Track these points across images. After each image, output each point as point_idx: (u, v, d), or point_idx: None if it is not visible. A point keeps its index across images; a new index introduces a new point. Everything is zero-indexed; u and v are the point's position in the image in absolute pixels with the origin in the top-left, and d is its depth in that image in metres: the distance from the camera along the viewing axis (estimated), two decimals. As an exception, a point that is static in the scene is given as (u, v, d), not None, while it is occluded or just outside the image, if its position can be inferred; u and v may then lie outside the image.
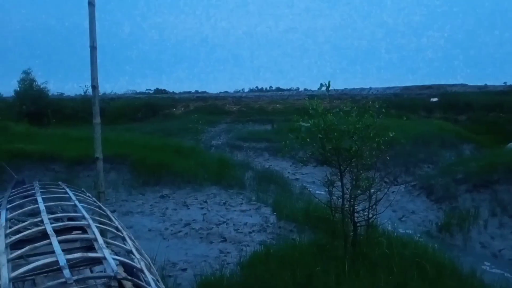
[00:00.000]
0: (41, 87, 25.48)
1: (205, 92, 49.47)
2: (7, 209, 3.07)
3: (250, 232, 7.75)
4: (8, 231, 2.56)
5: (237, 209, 9.36)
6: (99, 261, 2.83)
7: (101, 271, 2.69)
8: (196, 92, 50.13)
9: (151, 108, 29.20)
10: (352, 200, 5.17)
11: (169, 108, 30.01)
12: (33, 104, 23.41)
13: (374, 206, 5.26)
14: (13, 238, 2.42)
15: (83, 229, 3.29)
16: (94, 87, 4.30)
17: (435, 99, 27.82)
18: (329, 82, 4.79)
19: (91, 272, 3.03)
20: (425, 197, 11.13)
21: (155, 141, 15.44)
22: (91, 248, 3.08)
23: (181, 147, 14.38)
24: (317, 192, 9.02)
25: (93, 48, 4.21)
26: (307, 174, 14.37)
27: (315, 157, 5.99)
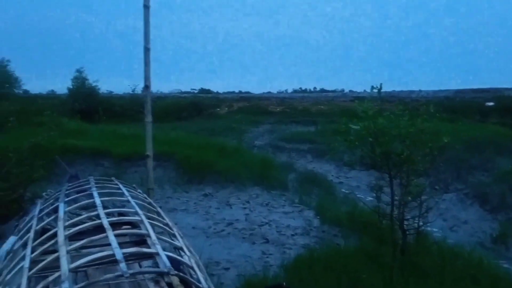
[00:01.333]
0: (92, 85, 26.68)
1: (248, 92, 49.69)
2: (64, 202, 3.19)
3: (293, 235, 7.68)
4: (67, 223, 2.65)
5: (280, 210, 9.31)
6: (148, 256, 2.89)
7: (149, 266, 2.74)
8: (240, 92, 50.42)
9: (196, 107, 29.67)
10: (402, 206, 4.97)
11: (213, 108, 30.36)
12: (84, 102, 24.49)
13: (424, 214, 5.03)
14: (72, 230, 2.49)
15: (132, 224, 3.37)
16: (147, 86, 4.41)
17: (490, 103, 26.37)
18: (381, 84, 4.65)
19: (140, 266, 3.10)
20: (478, 206, 10.57)
21: (199, 140, 15.66)
22: (140, 243, 3.15)
23: (225, 147, 14.51)
24: (362, 196, 8.81)
25: (146, 49, 4.32)
26: (351, 178, 14.05)
27: (363, 161, 5.81)
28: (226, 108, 30.78)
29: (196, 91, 48.08)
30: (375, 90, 4.76)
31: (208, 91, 48.09)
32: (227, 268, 6.14)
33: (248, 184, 11.24)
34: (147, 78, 4.41)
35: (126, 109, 25.85)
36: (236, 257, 6.63)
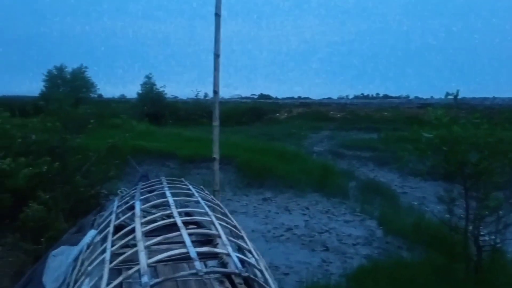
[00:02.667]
0: (159, 90, 28.09)
1: (307, 98, 49.47)
2: (140, 200, 3.35)
3: (354, 244, 7.50)
4: (143, 220, 2.78)
5: (340, 219, 9.14)
6: (213, 255, 2.96)
7: (215, 266, 2.81)
8: (299, 98, 50.35)
9: (256, 112, 30.06)
10: (477, 221, 4.68)
11: (273, 113, 30.59)
12: (152, 106, 25.87)
13: (502, 230, 4.70)
14: (148, 227, 2.60)
15: (197, 224, 3.47)
16: (216, 92, 4.55)
17: None
18: (457, 91, 4.42)
19: (205, 265, 3.18)
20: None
21: (259, 144, 15.84)
22: (205, 243, 3.24)
23: (285, 152, 14.53)
24: (428, 208, 8.41)
25: (216, 56, 4.46)
26: (416, 188, 13.42)
27: (434, 171, 5.56)
28: (286, 114, 30.84)
29: (256, 97, 48.67)
30: (451, 97, 4.54)
31: (267, 97, 48.51)
32: (287, 274, 6.12)
33: (307, 190, 11.17)
34: (216, 84, 4.54)
35: (190, 113, 26.88)
36: (295, 263, 6.60)
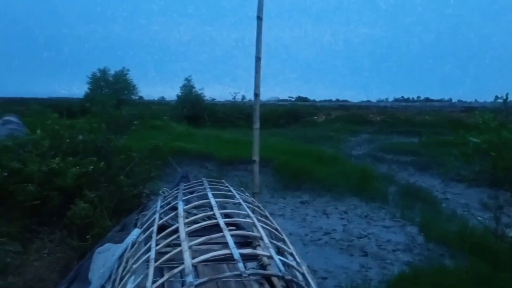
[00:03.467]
0: (198, 92, 28.62)
1: (346, 100, 48.70)
2: (182, 201, 3.42)
3: (394, 250, 7.32)
4: (186, 220, 2.83)
5: (379, 224, 8.95)
6: (253, 257, 2.97)
7: (254, 267, 2.82)
8: (337, 100, 49.68)
9: (293, 115, 29.98)
10: (527, 230, 4.45)
11: (310, 116, 30.38)
12: (191, 108, 26.39)
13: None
14: (192, 227, 2.63)
15: (236, 226, 3.49)
16: (257, 95, 4.58)
17: None
18: (506, 94, 4.22)
19: (245, 267, 3.19)
20: None
21: (297, 147, 15.78)
22: (244, 244, 3.26)
23: (323, 155, 14.39)
24: (472, 215, 8.08)
25: (258, 58, 4.49)
26: (459, 194, 12.92)
27: (480, 176, 5.34)
28: (324, 117, 30.54)
29: (293, 99, 48.51)
30: (500, 100, 4.35)
31: (305, 99, 48.20)
32: (325, 278, 6.07)
33: (346, 194, 11.01)
34: (257, 86, 4.58)
35: (227, 115, 27.18)
36: (333, 267, 6.52)
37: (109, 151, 6.59)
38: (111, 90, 27.74)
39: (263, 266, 2.95)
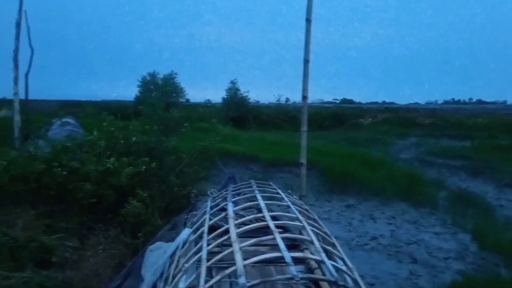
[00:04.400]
0: (243, 95, 28.98)
1: (393, 102, 47.39)
2: (232, 202, 3.47)
3: (445, 258, 7.04)
4: (236, 222, 2.86)
5: (429, 230, 8.64)
6: (301, 260, 2.96)
7: (301, 271, 2.81)
8: (384, 102, 48.45)
9: (338, 117, 29.56)
10: None
11: (356, 118, 29.84)
12: (236, 110, 26.80)
13: None
14: (242, 229, 2.65)
15: (284, 228, 3.49)
16: (305, 97, 4.58)
17: None
18: None
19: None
20: None
21: (342, 150, 15.55)
22: (291, 247, 3.25)
23: (369, 158, 14.11)
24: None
25: (306, 61, 4.50)
26: (515, 201, 12.23)
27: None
28: (370, 119, 29.88)
29: (338, 101, 47.83)
30: None
31: (350, 101, 47.39)
32: (372, 284, 5.94)
33: (393, 199, 10.72)
34: (305, 89, 4.59)
35: (272, 117, 27.29)
36: (381, 273, 6.38)
37: (160, 152, 6.82)
38: (160, 93, 28.72)
39: (311, 270, 2.94)
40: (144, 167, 6.17)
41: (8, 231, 5.09)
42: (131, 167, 6.05)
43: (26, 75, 11.71)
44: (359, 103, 46.83)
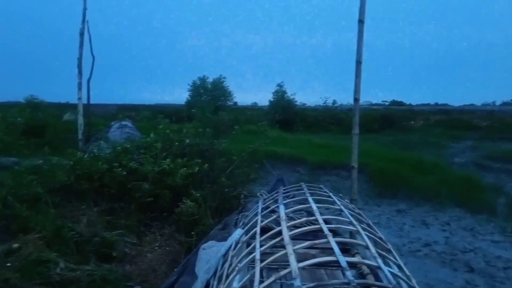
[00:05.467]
0: (290, 98, 29.03)
1: (446, 104, 45.43)
2: (283, 204, 3.52)
3: (505, 268, 6.71)
4: (288, 224, 2.90)
5: (487, 238, 8.25)
6: (351, 265, 2.95)
7: (353, 276, 2.81)
8: (436, 104, 46.54)
9: (388, 119, 28.77)
10: None
11: (406, 121, 28.94)
12: (283, 113, 26.90)
13: None
14: (295, 231, 2.66)
15: (334, 232, 3.50)
16: (356, 99, 4.57)
17: None
18: None
19: (343, 275, 3.18)
20: None
21: (392, 153, 15.17)
22: (342, 252, 3.25)
23: (421, 162, 13.67)
24: None
25: (358, 63, 4.49)
26: None
27: None
28: (422, 121, 28.88)
29: (387, 103, 46.53)
30: None
31: (400, 103, 45.93)
32: (426, 292, 5.80)
33: (447, 204, 10.33)
34: (357, 91, 4.57)
35: (318, 120, 27.11)
36: (434, 281, 6.20)
37: (212, 154, 7.04)
38: (209, 96, 29.47)
39: (362, 275, 2.93)
40: (197, 168, 6.40)
41: (74, 226, 5.48)
42: (185, 168, 6.30)
43: (88, 80, 12.41)
44: (410, 105, 45.26)
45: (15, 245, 4.89)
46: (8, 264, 4.53)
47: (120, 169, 6.17)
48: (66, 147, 8.11)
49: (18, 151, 9.80)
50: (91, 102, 13.60)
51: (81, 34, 11.69)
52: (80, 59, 11.58)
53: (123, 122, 14.56)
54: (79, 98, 11.57)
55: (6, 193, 5.68)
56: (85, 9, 11.79)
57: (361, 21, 4.46)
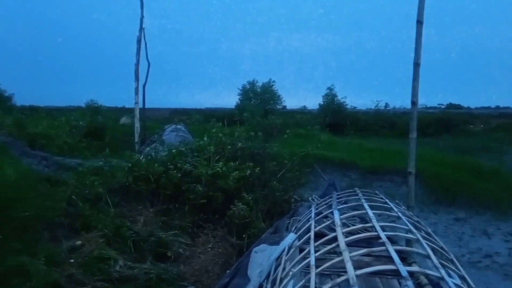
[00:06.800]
0: (340, 101, 28.61)
1: (508, 107, 42.68)
2: (338, 210, 3.46)
3: None
4: (344, 230, 2.84)
5: (558, 251, 7.68)
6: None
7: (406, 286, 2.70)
8: (497, 107, 43.85)
9: (444, 123, 27.52)
10: None
11: (464, 124, 27.53)
12: (333, 116, 26.58)
13: None
14: (351, 238, 2.62)
15: (390, 240, 3.38)
16: (414, 103, 4.42)
17: None
18: None
19: (399, 284, 3.07)
20: None
21: (449, 158, 14.49)
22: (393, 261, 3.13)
23: (481, 168, 12.94)
24: None
25: (417, 64, 4.34)
26: None
27: None
28: (481, 125, 27.32)
29: (443, 106, 44.51)
30: None
31: (457, 106, 43.76)
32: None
33: (510, 213, 9.73)
34: (414, 94, 4.42)
35: (370, 123, 26.49)
36: (496, 294, 5.86)
37: (264, 157, 7.09)
38: (259, 100, 29.72)
39: (420, 286, 2.82)
40: (248, 172, 6.48)
41: (132, 225, 5.71)
42: (237, 171, 6.39)
43: (144, 85, 12.96)
44: (468, 108, 43.02)
45: (78, 243, 5.16)
46: (72, 260, 4.78)
47: (175, 171, 6.37)
48: (123, 149, 8.50)
49: (80, 153, 10.40)
50: (146, 106, 14.17)
51: (138, 41, 12.24)
52: (137, 65, 12.12)
53: (176, 126, 15.05)
54: (136, 103, 12.09)
55: (71, 192, 6.04)
56: (142, 17, 12.35)
57: (419, 22, 4.32)
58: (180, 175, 6.35)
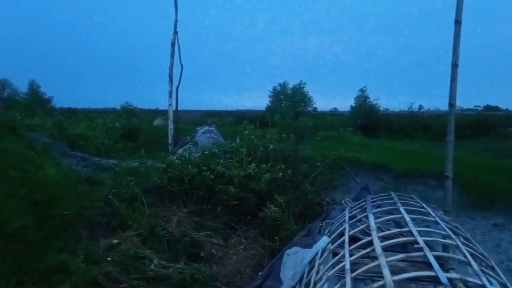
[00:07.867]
0: (373, 103, 28.14)
1: (551, 109, 40.74)
2: (372, 214, 3.42)
3: None
4: (379, 234, 2.80)
5: None
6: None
7: None
8: (539, 108, 41.91)
9: (481, 126, 26.57)
10: None
11: (503, 127, 26.44)
12: (365, 118, 26.17)
13: None
14: (386, 242, 2.57)
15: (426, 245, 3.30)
16: (451, 104, 4.29)
17: None
18: None
19: None
20: None
21: (487, 161, 13.96)
22: (430, 265, 3.07)
23: (520, 172, 12.38)
24: None
25: (455, 65, 4.22)
26: None
27: None
28: (522, 128, 26.12)
29: (480, 108, 43.00)
30: None
31: (495, 108, 42.17)
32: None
33: (553, 220, 9.29)
34: (452, 95, 4.29)
35: (403, 126, 25.89)
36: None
37: (295, 159, 7.08)
38: (289, 102, 29.66)
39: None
40: (280, 174, 6.48)
41: (166, 225, 5.83)
42: (269, 173, 6.40)
43: (177, 88, 13.18)
44: (507, 110, 41.37)
45: (115, 241, 5.31)
46: (109, 259, 4.91)
47: (208, 172, 6.45)
48: (157, 151, 8.67)
49: (116, 154, 10.69)
50: (179, 108, 14.41)
51: (172, 45, 12.47)
52: (171, 68, 12.35)
53: (208, 128, 15.22)
54: (170, 105, 12.31)
55: (108, 192, 6.23)
56: (176, 21, 12.57)
57: (458, 22, 4.20)
58: (213, 176, 6.43)
